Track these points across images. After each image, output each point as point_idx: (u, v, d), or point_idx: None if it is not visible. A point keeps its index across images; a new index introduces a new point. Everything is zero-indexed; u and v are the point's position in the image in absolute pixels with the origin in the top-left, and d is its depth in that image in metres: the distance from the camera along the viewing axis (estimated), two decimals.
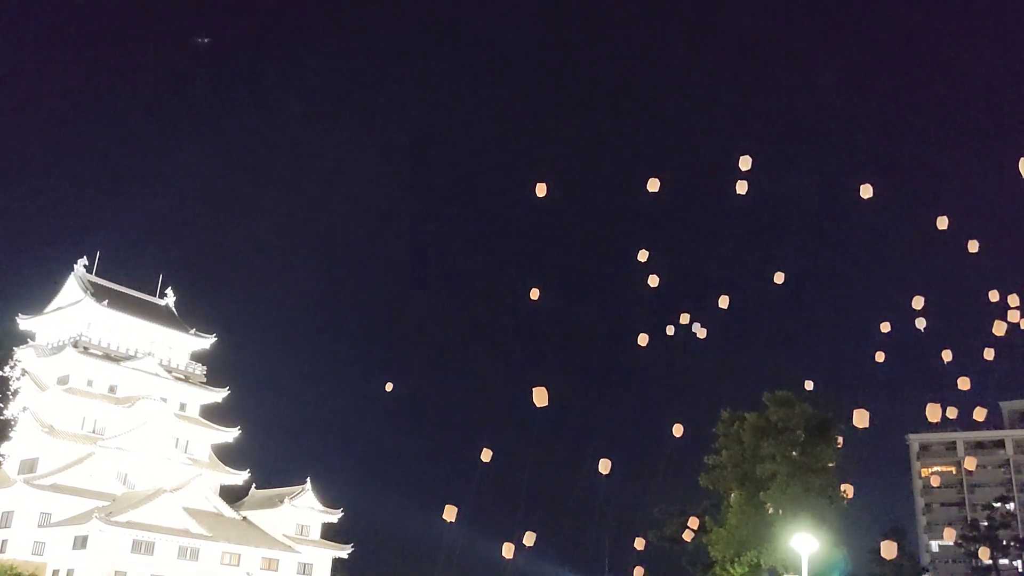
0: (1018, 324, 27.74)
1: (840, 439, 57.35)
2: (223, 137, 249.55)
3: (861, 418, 27.89)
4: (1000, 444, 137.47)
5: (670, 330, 34.43)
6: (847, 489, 50.29)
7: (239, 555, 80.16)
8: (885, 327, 32.52)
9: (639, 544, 49.29)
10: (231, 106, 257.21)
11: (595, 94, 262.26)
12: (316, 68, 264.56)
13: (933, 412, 27.26)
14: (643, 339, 33.90)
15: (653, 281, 32.34)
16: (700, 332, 34.38)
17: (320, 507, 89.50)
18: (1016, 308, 27.61)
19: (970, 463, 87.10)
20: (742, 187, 30.15)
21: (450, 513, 31.32)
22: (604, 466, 32.38)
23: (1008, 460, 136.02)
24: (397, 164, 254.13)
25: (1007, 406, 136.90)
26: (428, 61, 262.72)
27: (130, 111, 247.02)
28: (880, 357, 32.92)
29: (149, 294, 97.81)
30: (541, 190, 30.62)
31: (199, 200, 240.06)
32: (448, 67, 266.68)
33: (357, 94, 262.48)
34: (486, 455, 32.25)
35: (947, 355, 30.09)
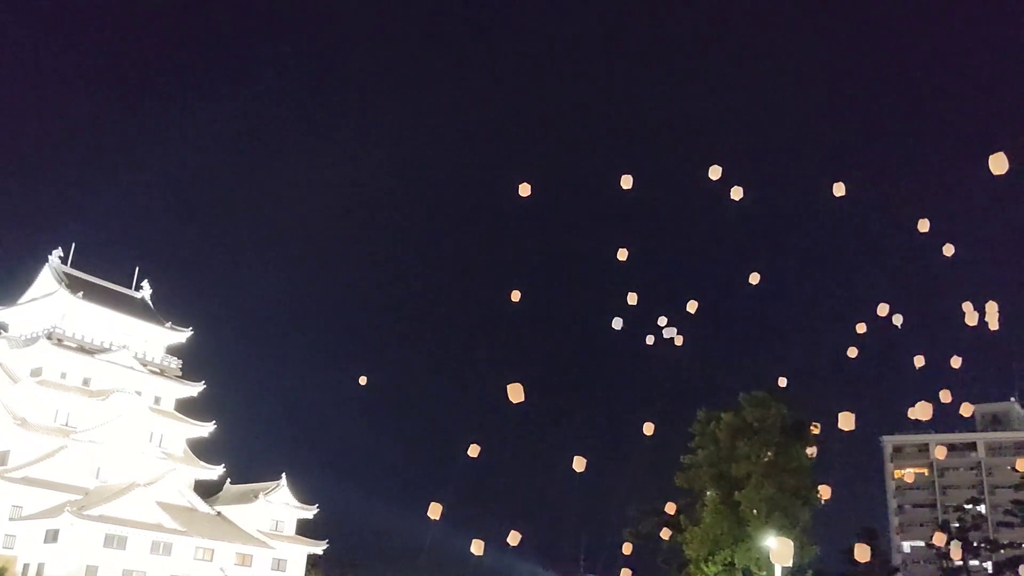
0: (991, 329, 27.85)
1: (818, 427, 57.75)
2: (201, 129, 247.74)
3: (847, 420, 27.58)
4: (972, 447, 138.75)
5: (650, 339, 34.32)
6: (823, 490, 50.56)
7: (213, 550, 79.66)
8: (861, 328, 32.58)
9: (626, 549, 49.27)
10: (210, 98, 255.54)
11: (577, 97, 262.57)
12: (296, 63, 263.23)
13: (924, 411, 27.16)
14: (617, 322, 33.61)
15: (632, 299, 32.26)
16: (677, 339, 34.30)
17: (295, 503, 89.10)
18: (992, 316, 27.69)
19: (940, 452, 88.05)
20: (737, 193, 29.90)
21: (435, 511, 30.86)
22: (578, 464, 32.09)
23: (980, 463, 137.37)
24: (375, 161, 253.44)
25: (979, 409, 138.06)
26: (409, 61, 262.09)
27: (108, 101, 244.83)
28: (852, 353, 33.01)
29: (125, 286, 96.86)
30: (525, 190, 30.26)
31: (176, 193, 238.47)
32: (431, 67, 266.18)
33: (334, 90, 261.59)
34: (473, 450, 31.77)
35: (920, 360, 30.14)
